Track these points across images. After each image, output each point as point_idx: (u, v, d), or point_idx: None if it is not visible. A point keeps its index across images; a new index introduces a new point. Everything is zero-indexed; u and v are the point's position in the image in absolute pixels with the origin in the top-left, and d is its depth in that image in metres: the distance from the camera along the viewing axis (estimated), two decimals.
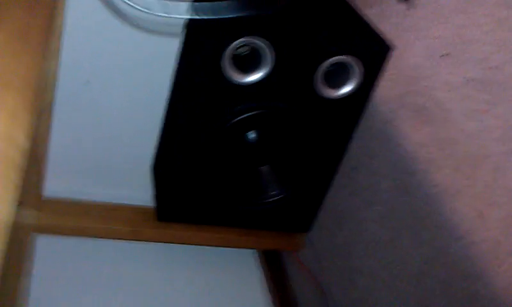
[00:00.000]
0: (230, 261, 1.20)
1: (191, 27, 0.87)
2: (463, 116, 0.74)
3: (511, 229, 0.67)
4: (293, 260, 1.17)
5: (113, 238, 1.10)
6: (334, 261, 1.04)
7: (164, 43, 0.98)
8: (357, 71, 0.91)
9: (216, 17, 0.62)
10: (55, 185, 1.10)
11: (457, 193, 0.75)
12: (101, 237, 1.09)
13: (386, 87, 0.90)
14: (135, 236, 1.10)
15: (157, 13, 0.58)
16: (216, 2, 0.63)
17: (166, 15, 0.59)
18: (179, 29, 0.89)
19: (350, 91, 0.92)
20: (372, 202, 0.93)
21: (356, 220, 0.97)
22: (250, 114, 0.92)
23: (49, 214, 1.06)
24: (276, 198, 1.06)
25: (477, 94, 0.72)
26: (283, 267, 1.22)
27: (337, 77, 0.93)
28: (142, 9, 0.57)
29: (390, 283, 0.89)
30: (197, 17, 0.61)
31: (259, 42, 0.82)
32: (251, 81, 0.88)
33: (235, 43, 0.81)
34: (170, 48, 0.91)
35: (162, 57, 0.98)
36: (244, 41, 0.81)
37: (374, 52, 0.90)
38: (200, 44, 0.83)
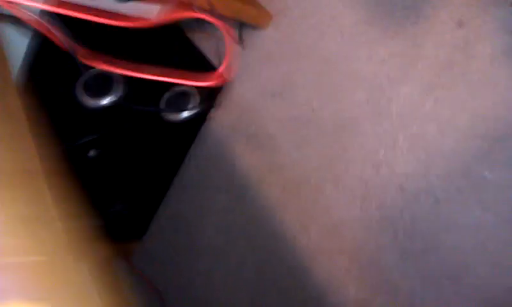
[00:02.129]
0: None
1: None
2: (288, 146, 0.93)
3: (326, 238, 0.89)
4: (127, 265, 1.21)
5: None
6: (172, 263, 1.13)
7: None
8: (195, 99, 1.02)
9: None
10: None
11: (285, 206, 0.94)
12: None
13: (222, 115, 1.03)
14: None
15: None
16: None
17: None
18: None
19: (188, 115, 1.03)
20: (210, 211, 1.05)
21: (194, 227, 1.08)
22: (96, 135, 0.94)
23: None
24: (115, 211, 1.08)
25: (298, 129, 0.91)
26: (116, 274, 1.23)
27: (179, 103, 1.02)
28: None
29: (226, 282, 1.04)
30: None
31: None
32: (101, 105, 0.90)
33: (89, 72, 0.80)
34: None
35: None
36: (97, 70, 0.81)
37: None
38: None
